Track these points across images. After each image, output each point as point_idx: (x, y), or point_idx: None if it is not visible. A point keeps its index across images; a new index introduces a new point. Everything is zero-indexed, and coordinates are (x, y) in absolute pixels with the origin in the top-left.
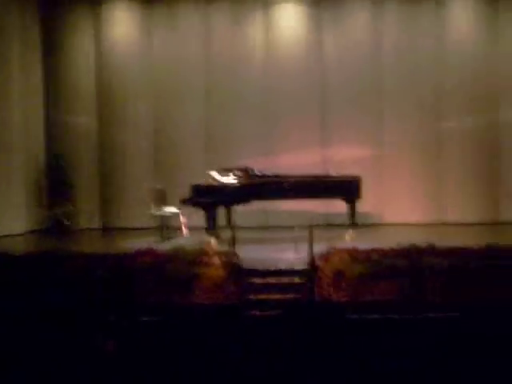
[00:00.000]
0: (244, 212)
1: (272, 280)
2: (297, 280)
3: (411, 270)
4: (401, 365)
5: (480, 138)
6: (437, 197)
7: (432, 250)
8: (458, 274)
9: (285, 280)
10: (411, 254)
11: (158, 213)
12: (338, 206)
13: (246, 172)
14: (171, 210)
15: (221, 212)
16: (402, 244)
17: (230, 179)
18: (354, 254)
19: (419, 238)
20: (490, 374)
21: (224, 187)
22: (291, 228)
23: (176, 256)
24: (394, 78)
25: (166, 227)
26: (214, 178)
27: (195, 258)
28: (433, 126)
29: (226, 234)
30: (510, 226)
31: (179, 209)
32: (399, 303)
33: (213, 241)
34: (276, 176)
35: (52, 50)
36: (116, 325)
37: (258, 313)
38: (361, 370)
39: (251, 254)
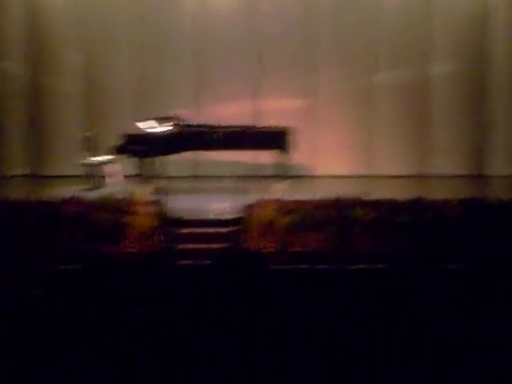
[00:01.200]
0: (174, 162)
1: (200, 230)
2: (226, 230)
3: (339, 221)
4: (326, 315)
5: (411, 90)
6: (368, 149)
7: (360, 202)
8: (384, 226)
9: (213, 230)
10: (339, 205)
11: (88, 161)
12: (269, 157)
13: (176, 122)
14: (101, 158)
15: (151, 161)
16: (331, 195)
17: (162, 128)
18: (283, 205)
19: (349, 190)
20: (414, 325)
21: (155, 136)
22: (222, 178)
23: (104, 204)
24: (327, 29)
25: (96, 175)
26: (144, 127)
27: (124, 207)
28: (365, 78)
29: (156, 184)
30: (437, 179)
31: (110, 157)
32: (326, 254)
33: (142, 190)
34: (206, 126)
35: None
36: (42, 273)
37: (185, 262)
38: (285, 321)
39: (180, 204)
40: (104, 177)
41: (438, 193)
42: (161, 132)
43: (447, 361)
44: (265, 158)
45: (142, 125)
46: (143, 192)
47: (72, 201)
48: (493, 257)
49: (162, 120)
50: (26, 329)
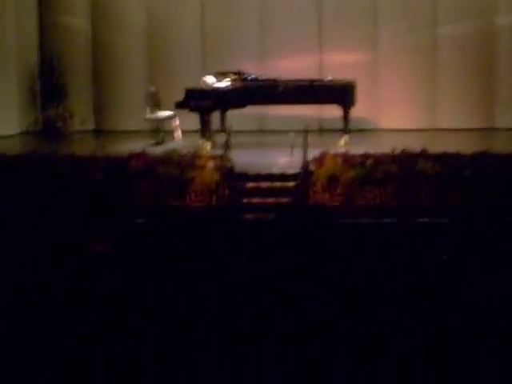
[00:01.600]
0: (238, 116)
1: (265, 184)
2: (290, 184)
3: (404, 174)
4: (391, 269)
5: (476, 42)
6: (432, 102)
7: (425, 155)
8: (450, 179)
9: (278, 184)
10: (404, 159)
11: (152, 116)
12: (333, 111)
13: (240, 76)
14: (165, 113)
15: (215, 116)
16: (396, 149)
17: (225, 83)
18: (347, 159)
19: (413, 144)
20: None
21: (218, 91)
22: (285, 133)
23: (169, 159)
24: None
25: (160, 131)
26: (208, 82)
27: (188, 162)
28: (428, 30)
29: (220, 138)
30: (503, 132)
31: (173, 112)
32: (392, 207)
33: (206, 144)
34: (270, 80)
35: None
36: (109, 227)
37: (250, 216)
38: (350, 275)
39: (245, 159)
40: (168, 131)
41: (505, 146)
42: (224, 86)
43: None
44: (329, 111)
45: (207, 79)
46: (207, 146)
47: (138, 156)
48: None
49: (225, 74)
50: (92, 284)
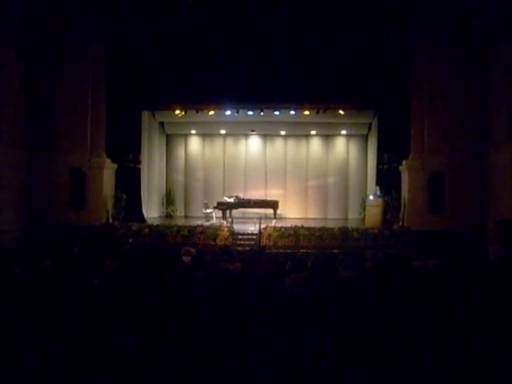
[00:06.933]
0: (235, 212)
1: (246, 236)
2: (254, 237)
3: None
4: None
5: None
6: None
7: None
8: None
9: (250, 237)
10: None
11: (205, 211)
12: (270, 211)
13: (237, 197)
14: (209, 210)
15: (227, 212)
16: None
17: (231, 199)
18: (275, 228)
19: None
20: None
21: (228, 202)
22: (253, 218)
23: (211, 226)
24: None
25: (209, 216)
26: (225, 199)
27: (218, 228)
28: None
29: (229, 220)
30: None
31: (212, 210)
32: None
33: (223, 222)
34: (247, 199)
35: None
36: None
37: (240, 248)
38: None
39: (238, 227)
40: (211, 217)
41: None
42: (230, 201)
43: None
44: (269, 211)
45: (225, 198)
46: (224, 223)
47: (199, 226)
48: None
49: (231, 196)
50: None
